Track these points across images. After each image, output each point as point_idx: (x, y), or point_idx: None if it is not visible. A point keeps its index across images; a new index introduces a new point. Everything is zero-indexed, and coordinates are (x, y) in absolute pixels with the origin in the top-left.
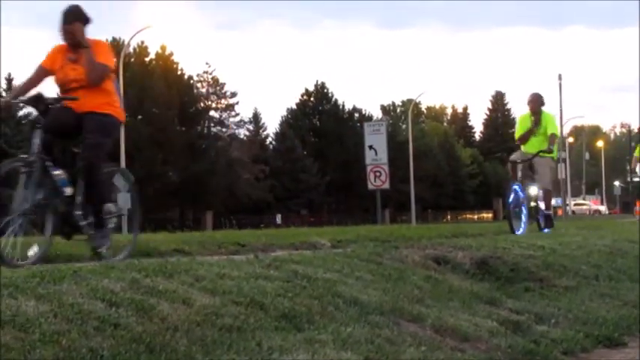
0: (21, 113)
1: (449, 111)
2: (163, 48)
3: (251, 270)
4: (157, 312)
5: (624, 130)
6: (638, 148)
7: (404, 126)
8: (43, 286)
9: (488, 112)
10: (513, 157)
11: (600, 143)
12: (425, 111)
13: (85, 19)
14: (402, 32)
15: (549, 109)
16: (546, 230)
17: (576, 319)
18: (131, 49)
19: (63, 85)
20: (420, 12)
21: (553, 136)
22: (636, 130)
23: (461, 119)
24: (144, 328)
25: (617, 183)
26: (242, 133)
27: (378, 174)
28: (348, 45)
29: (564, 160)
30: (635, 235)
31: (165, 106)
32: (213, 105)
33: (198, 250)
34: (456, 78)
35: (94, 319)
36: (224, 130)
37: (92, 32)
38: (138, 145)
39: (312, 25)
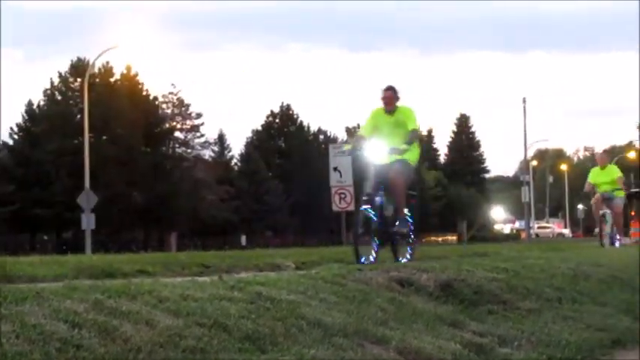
0: None
1: None
2: (129, 68)
3: (215, 291)
4: (120, 333)
5: (588, 153)
6: (590, 172)
7: None
8: (5, 307)
9: (453, 135)
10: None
11: (564, 167)
12: None
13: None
14: (368, 55)
15: (514, 132)
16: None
17: (539, 341)
18: (96, 70)
19: None
20: (386, 35)
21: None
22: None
23: (425, 141)
24: (107, 349)
25: (580, 206)
26: (207, 154)
27: (342, 196)
28: (314, 67)
29: (528, 183)
30: (599, 258)
31: (130, 126)
32: (179, 126)
33: (162, 271)
34: (421, 100)
35: (57, 340)
36: (189, 151)
37: (56, 52)
38: (103, 166)
39: (278, 47)
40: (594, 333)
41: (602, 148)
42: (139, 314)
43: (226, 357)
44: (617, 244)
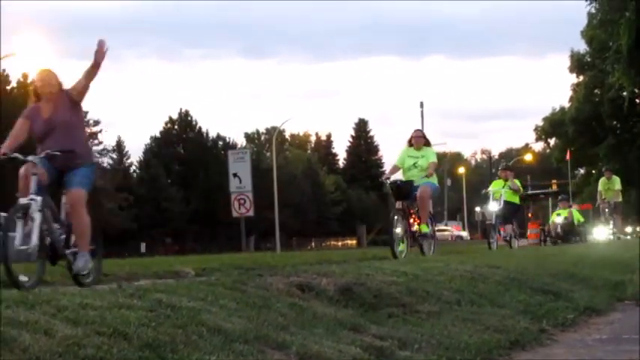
0: None
1: (313, 138)
2: (25, 76)
3: (114, 300)
4: (18, 343)
5: (485, 156)
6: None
7: (268, 154)
8: None
9: (351, 140)
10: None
11: (462, 170)
12: (289, 138)
13: None
14: (266, 60)
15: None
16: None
17: (439, 344)
18: None
19: None
20: (283, 40)
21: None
22: (496, 157)
23: (324, 146)
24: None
25: (478, 209)
26: (105, 161)
27: (242, 202)
28: (212, 73)
29: None
30: (496, 260)
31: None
32: None
33: (61, 280)
34: (319, 106)
35: None
36: None
37: None
38: (0, 177)
39: (176, 53)
40: (493, 334)
41: (499, 151)
42: (37, 324)
43: None
44: (516, 244)
